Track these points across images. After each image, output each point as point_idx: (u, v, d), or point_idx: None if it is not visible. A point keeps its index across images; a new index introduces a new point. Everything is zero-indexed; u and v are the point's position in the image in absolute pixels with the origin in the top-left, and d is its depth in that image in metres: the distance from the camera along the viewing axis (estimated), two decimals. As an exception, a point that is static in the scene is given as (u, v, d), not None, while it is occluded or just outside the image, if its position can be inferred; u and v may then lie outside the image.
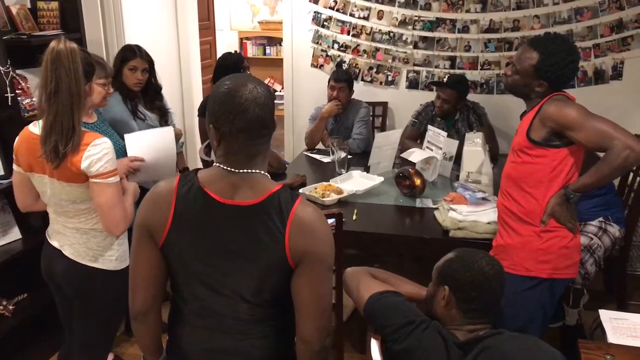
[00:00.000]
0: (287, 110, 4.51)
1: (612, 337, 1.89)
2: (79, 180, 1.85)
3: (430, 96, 3.81)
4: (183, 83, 4.46)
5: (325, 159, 3.58)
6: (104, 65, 2.39)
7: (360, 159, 3.46)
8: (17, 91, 2.64)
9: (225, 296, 1.35)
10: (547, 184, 2.03)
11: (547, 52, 1.99)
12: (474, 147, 2.92)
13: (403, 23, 4.03)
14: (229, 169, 1.32)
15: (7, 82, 2.54)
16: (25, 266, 2.58)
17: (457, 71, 3.99)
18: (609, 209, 2.83)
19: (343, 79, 3.69)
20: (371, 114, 4.01)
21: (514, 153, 2.12)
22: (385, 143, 3.28)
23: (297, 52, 4.32)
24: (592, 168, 1.94)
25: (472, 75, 3.98)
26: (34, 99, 2.64)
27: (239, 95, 1.25)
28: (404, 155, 3.17)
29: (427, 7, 3.96)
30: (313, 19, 4.21)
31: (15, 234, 2.76)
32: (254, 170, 1.33)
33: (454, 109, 3.52)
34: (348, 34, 4.16)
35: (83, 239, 1.98)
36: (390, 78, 4.17)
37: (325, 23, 4.19)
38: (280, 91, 7.03)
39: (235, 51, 4.54)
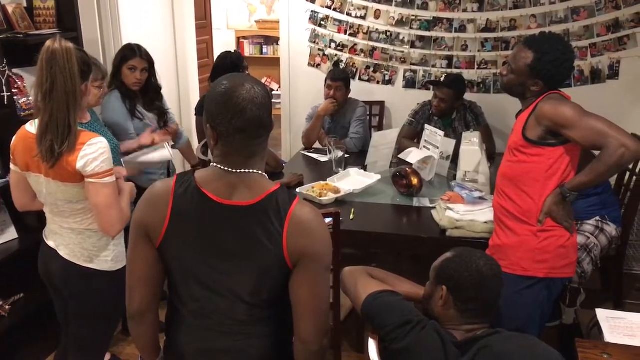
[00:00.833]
0: (284, 109, 4.50)
1: (609, 337, 1.89)
2: (75, 180, 1.84)
3: (427, 95, 3.81)
4: (180, 82, 4.45)
5: (323, 158, 3.58)
6: (99, 67, 2.39)
7: (358, 158, 3.46)
8: (13, 90, 2.63)
9: (223, 296, 1.35)
10: (543, 182, 2.03)
11: (542, 51, 1.99)
12: (471, 146, 2.92)
13: (400, 22, 4.03)
14: (226, 169, 1.31)
15: (3, 81, 2.54)
16: (21, 266, 2.57)
17: (454, 70, 3.99)
18: (605, 208, 2.84)
19: (340, 78, 3.69)
20: (368, 113, 4.01)
21: (510, 152, 2.12)
22: (383, 142, 3.28)
23: (294, 52, 4.32)
24: (588, 167, 1.94)
25: (469, 74, 3.98)
26: (30, 98, 2.63)
27: (237, 96, 1.25)
28: (401, 156, 3.17)
29: (424, 6, 3.96)
30: (310, 18, 4.20)
31: (11, 233, 2.76)
32: (251, 170, 1.32)
33: (451, 108, 3.52)
34: (345, 33, 4.16)
35: (78, 239, 1.97)
36: (387, 77, 4.17)
37: (322, 22, 4.18)
38: (277, 90, 7.02)
39: (236, 50, 4.53)
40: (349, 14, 4.11)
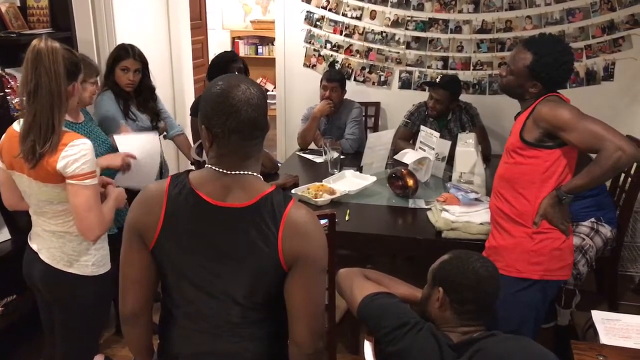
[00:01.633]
0: (279, 110, 4.49)
1: (605, 338, 1.89)
2: (55, 181, 1.81)
3: (422, 96, 3.81)
4: (175, 82, 4.43)
5: (318, 159, 3.57)
6: (91, 64, 2.37)
7: (353, 159, 3.46)
8: (6, 90, 2.61)
9: (217, 299, 1.34)
10: (539, 185, 2.03)
11: (541, 53, 1.99)
12: (467, 147, 2.92)
13: (396, 23, 4.03)
14: (221, 170, 1.30)
15: (-4, 81, 2.51)
16: (14, 267, 2.53)
17: (450, 71, 3.99)
18: (600, 209, 2.84)
19: (335, 79, 3.68)
20: (364, 114, 4.01)
21: (507, 154, 2.12)
22: (378, 143, 3.27)
23: (289, 52, 4.31)
24: (584, 170, 1.94)
25: (464, 75, 3.98)
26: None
27: (232, 96, 1.24)
28: (397, 157, 3.17)
29: (420, 7, 3.96)
30: (305, 19, 4.19)
31: (4, 234, 2.73)
32: (246, 172, 1.31)
33: (446, 109, 3.52)
34: (341, 34, 4.16)
35: (59, 242, 1.94)
36: (382, 78, 4.17)
37: (317, 23, 4.18)
38: (272, 91, 7.01)
39: (232, 50, 4.52)
40: (344, 15, 4.11)
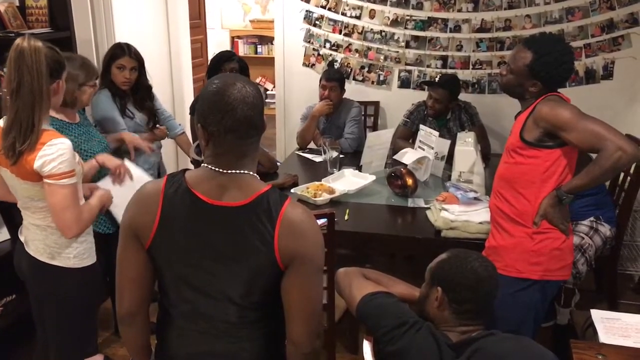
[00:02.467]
0: (278, 109, 4.49)
1: (604, 337, 1.89)
2: (33, 179, 1.82)
3: (422, 96, 3.81)
4: (174, 82, 4.43)
5: (317, 159, 3.57)
6: (91, 67, 2.37)
7: (352, 159, 3.45)
8: (4, 90, 2.60)
9: (214, 298, 1.34)
10: (539, 184, 2.03)
11: (541, 52, 1.98)
12: (466, 146, 2.92)
13: (395, 22, 4.03)
14: (217, 169, 1.30)
15: (-6, 80, 2.51)
16: (13, 267, 2.54)
17: (449, 71, 3.99)
18: (600, 208, 2.84)
19: (335, 78, 3.68)
20: (363, 113, 4.00)
21: (508, 153, 2.12)
22: (377, 143, 3.27)
23: (288, 51, 4.30)
24: (584, 170, 1.93)
25: (463, 74, 3.98)
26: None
27: (228, 95, 1.24)
28: (396, 157, 3.16)
29: (419, 6, 3.95)
30: (305, 18, 4.19)
31: (3, 234, 2.73)
32: (242, 171, 1.31)
33: (445, 108, 3.52)
34: (340, 33, 4.15)
35: (42, 235, 1.96)
36: (382, 77, 4.17)
37: (317, 22, 4.17)
38: (271, 90, 7.01)
39: (229, 50, 4.52)
40: (343, 14, 4.10)
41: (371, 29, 4.09)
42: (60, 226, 1.89)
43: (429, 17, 3.96)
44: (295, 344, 1.35)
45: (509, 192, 2.10)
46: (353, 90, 4.05)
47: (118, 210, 2.28)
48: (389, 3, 4.00)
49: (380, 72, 4.16)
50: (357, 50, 4.15)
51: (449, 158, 3.11)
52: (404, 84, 4.14)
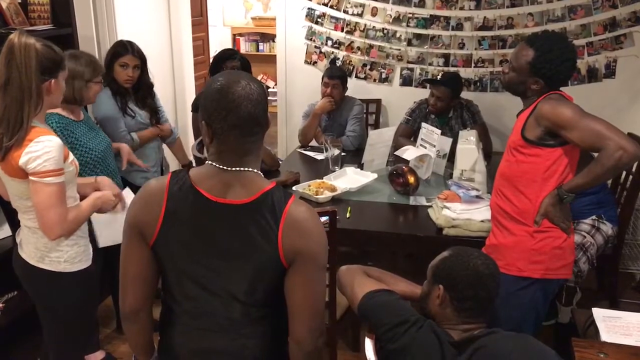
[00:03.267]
0: (280, 107, 4.49)
1: (605, 336, 1.89)
2: (20, 176, 1.80)
3: (424, 94, 3.80)
4: (176, 79, 4.42)
5: (319, 156, 3.57)
6: (96, 64, 2.37)
7: (354, 156, 3.45)
8: (7, 87, 2.61)
9: (218, 296, 1.34)
10: (540, 183, 2.03)
11: (543, 50, 1.98)
12: (468, 144, 2.92)
13: (397, 20, 4.02)
14: (221, 167, 1.30)
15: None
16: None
17: (451, 69, 3.99)
18: (601, 207, 2.84)
19: (337, 75, 3.68)
20: (365, 111, 4.00)
21: (509, 152, 2.11)
22: (379, 140, 3.27)
23: (290, 49, 4.30)
24: (585, 169, 1.93)
25: (465, 72, 3.97)
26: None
27: (232, 92, 1.24)
28: (397, 153, 3.16)
29: (421, 4, 3.95)
30: (307, 16, 4.18)
31: (5, 230, 2.73)
32: (246, 169, 1.31)
33: (447, 106, 3.52)
34: (342, 31, 4.15)
35: (33, 238, 1.94)
36: (384, 75, 4.16)
37: (319, 19, 4.17)
38: (273, 88, 7.00)
39: (231, 48, 4.52)
40: (345, 12, 4.10)
41: (373, 27, 4.08)
42: (42, 226, 1.84)
43: (431, 15, 3.95)
44: (298, 342, 1.35)
45: (510, 191, 2.10)
46: (355, 88, 4.05)
47: (100, 231, 2.24)
48: (391, 1, 3.99)
49: (382, 70, 4.15)
50: (359, 48, 4.15)
51: (451, 156, 3.11)
52: (406, 81, 4.14)
